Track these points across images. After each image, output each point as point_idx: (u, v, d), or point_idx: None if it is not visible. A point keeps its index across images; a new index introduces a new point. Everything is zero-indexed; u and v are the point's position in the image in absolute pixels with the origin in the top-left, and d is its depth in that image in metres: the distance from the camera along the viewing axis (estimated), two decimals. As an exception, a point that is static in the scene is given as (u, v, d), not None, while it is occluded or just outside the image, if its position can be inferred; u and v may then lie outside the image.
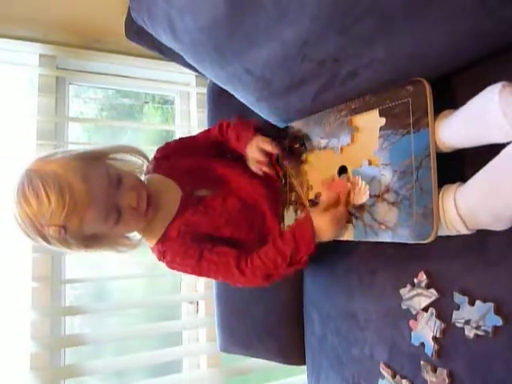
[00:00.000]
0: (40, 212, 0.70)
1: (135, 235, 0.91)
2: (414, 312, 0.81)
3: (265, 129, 1.01)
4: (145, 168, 0.95)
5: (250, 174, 0.97)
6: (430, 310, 0.78)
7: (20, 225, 0.74)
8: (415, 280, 0.81)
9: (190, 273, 0.91)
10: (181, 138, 1.07)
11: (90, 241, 0.80)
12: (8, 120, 1.33)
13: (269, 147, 0.93)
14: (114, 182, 0.79)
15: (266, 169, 0.95)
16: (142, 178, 0.92)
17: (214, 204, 0.91)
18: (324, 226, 0.81)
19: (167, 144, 1.03)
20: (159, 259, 0.90)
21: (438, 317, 0.76)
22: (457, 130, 0.69)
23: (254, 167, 0.97)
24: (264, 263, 0.83)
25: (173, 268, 0.90)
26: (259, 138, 0.95)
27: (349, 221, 0.83)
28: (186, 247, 0.87)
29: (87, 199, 0.73)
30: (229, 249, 0.87)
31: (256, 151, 0.94)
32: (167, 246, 0.88)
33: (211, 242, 0.88)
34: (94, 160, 0.81)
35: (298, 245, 0.81)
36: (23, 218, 0.72)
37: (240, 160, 1.01)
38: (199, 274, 0.90)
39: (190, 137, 1.08)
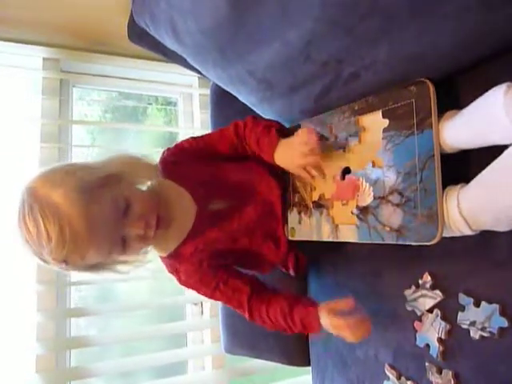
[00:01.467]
0: (40, 244, 0.67)
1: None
2: (418, 313, 0.81)
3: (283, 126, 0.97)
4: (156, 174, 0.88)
5: (267, 174, 0.95)
6: (435, 311, 0.77)
7: (22, 243, 0.70)
8: (420, 281, 0.81)
9: (201, 295, 0.91)
10: (192, 139, 0.96)
11: (94, 268, 0.78)
12: (12, 123, 1.34)
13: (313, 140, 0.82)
14: (121, 209, 0.73)
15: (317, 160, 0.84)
16: (153, 183, 0.86)
17: (231, 218, 0.89)
18: (329, 329, 0.82)
19: (176, 146, 0.95)
20: (171, 274, 0.90)
21: (443, 318, 0.76)
22: (461, 130, 0.68)
23: (297, 171, 0.89)
24: (272, 324, 0.88)
25: (185, 286, 0.91)
26: (290, 140, 0.87)
27: (351, 221, 0.83)
28: (202, 274, 0.87)
29: (88, 238, 0.68)
30: (243, 284, 0.88)
31: (297, 155, 0.84)
32: (181, 266, 0.88)
33: (227, 270, 0.89)
34: (99, 188, 0.72)
35: (305, 329, 0.86)
36: (24, 242, 0.69)
37: (257, 160, 0.95)
38: (210, 298, 0.92)
39: (202, 138, 0.97)
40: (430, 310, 0.78)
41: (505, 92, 0.61)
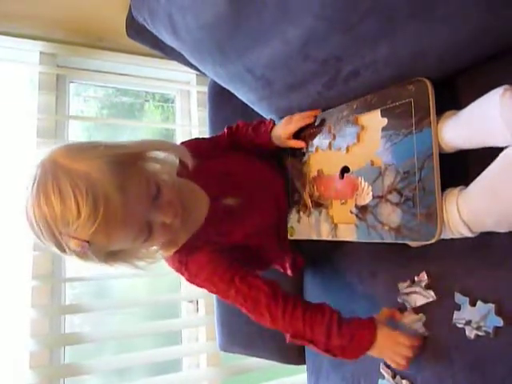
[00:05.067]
0: (64, 220, 0.59)
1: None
2: (408, 307, 0.81)
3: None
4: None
5: (271, 168, 0.98)
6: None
7: (32, 226, 0.62)
8: (416, 278, 0.81)
9: (213, 292, 0.84)
10: (197, 139, 1.04)
11: (111, 257, 0.70)
12: (8, 118, 1.32)
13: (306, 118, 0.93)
14: (152, 195, 0.68)
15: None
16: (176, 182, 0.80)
17: (243, 213, 0.87)
18: (382, 349, 0.76)
19: (183, 144, 0.94)
20: (178, 270, 0.84)
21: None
22: (459, 131, 0.69)
23: (289, 142, 0.95)
24: (304, 328, 0.77)
25: (193, 283, 0.83)
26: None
27: (350, 221, 0.83)
28: (216, 265, 0.80)
29: (123, 216, 0.61)
30: (261, 282, 0.80)
31: (288, 124, 0.93)
32: (192, 258, 0.81)
33: (243, 265, 0.82)
34: (131, 165, 0.67)
35: (349, 346, 0.76)
36: (39, 220, 0.60)
37: (260, 156, 0.99)
38: (223, 297, 0.83)
39: (207, 138, 1.06)
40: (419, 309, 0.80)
41: (501, 95, 0.61)
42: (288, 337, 0.81)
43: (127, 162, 0.67)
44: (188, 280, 0.83)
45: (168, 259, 0.84)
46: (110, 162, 0.63)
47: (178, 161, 0.79)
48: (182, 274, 0.83)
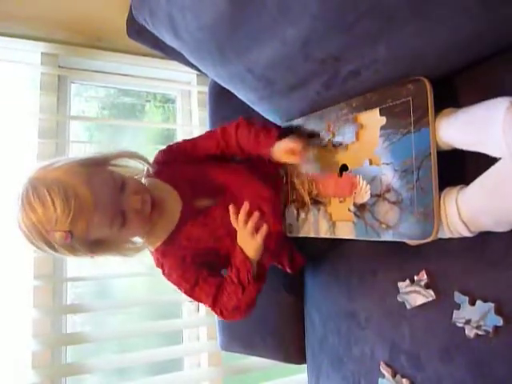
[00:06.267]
0: (46, 218, 0.70)
1: (138, 239, 0.91)
2: (408, 307, 0.81)
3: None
4: (145, 172, 0.94)
5: (253, 178, 0.97)
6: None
7: (25, 233, 0.73)
8: (415, 277, 0.81)
9: (181, 291, 0.91)
10: (183, 141, 1.04)
11: (96, 246, 0.80)
12: (10, 118, 1.33)
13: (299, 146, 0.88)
14: (118, 186, 0.79)
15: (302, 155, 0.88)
16: (143, 181, 0.92)
17: (215, 215, 0.91)
18: (244, 246, 0.86)
19: (169, 147, 1.01)
20: (157, 266, 0.92)
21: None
22: (456, 132, 0.69)
23: (289, 159, 0.90)
24: (229, 295, 0.87)
25: (168, 280, 0.92)
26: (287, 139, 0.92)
27: (349, 218, 0.83)
28: (184, 269, 0.89)
29: (92, 203, 0.73)
30: (221, 281, 0.89)
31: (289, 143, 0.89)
32: (166, 260, 0.90)
33: (208, 266, 0.90)
34: (96, 166, 0.81)
35: (237, 268, 0.86)
36: (28, 226, 0.72)
37: (243, 163, 1.00)
38: (189, 296, 0.91)
39: (192, 141, 1.03)
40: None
41: (507, 108, 0.60)
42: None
43: (92, 164, 0.80)
44: (165, 277, 0.92)
45: (153, 257, 0.93)
46: (76, 165, 0.77)
47: (142, 166, 0.92)
48: (161, 270, 0.92)
